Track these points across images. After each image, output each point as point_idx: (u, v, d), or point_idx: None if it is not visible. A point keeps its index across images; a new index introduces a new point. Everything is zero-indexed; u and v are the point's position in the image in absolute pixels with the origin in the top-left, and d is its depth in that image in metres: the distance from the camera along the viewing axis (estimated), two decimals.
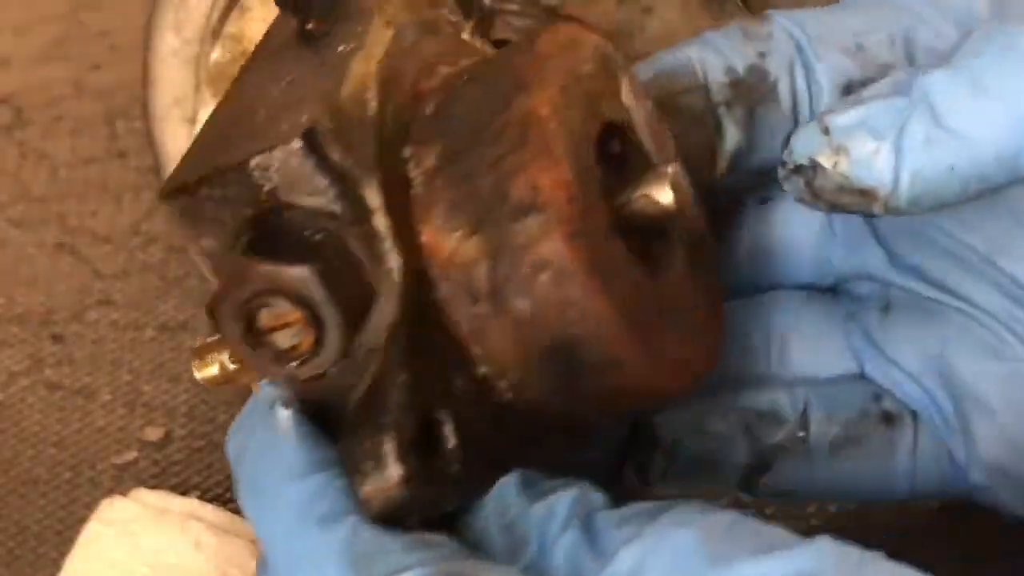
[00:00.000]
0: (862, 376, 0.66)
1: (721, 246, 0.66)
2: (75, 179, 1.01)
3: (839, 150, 0.57)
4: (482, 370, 0.55)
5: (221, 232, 0.54)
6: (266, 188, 0.53)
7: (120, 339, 0.90)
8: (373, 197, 0.54)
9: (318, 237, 0.53)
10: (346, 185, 0.53)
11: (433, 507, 0.54)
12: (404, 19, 0.58)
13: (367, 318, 0.53)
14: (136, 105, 0.95)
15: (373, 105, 0.55)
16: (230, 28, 0.78)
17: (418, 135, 0.56)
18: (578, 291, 0.53)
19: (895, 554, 0.48)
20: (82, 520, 0.75)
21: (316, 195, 0.53)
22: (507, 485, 0.54)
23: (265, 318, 0.52)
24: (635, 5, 0.78)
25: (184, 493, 0.79)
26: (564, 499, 0.52)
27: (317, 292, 0.52)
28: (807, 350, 0.66)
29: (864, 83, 0.61)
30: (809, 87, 0.62)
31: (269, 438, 0.54)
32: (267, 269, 0.52)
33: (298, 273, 0.52)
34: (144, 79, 0.84)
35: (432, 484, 0.53)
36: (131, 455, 0.84)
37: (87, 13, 1.13)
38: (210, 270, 0.55)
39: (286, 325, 0.52)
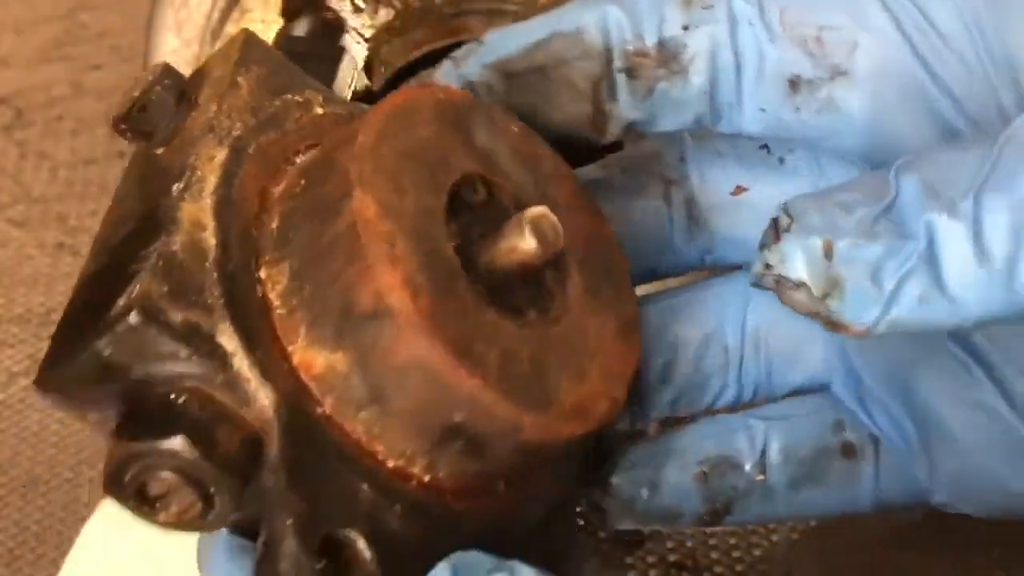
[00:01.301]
0: (826, 390, 0.65)
1: (697, 231, 0.65)
2: (75, 179, 1.01)
3: (835, 284, 0.54)
4: (391, 464, 0.55)
5: (99, 408, 0.54)
6: (121, 364, 0.53)
7: None
8: (228, 341, 0.54)
9: (182, 400, 0.53)
10: (197, 340, 0.53)
11: None
12: (240, 128, 0.57)
13: (258, 461, 0.53)
14: None
15: (212, 243, 0.55)
16: (230, 29, 0.78)
17: (268, 256, 0.56)
18: (448, 381, 0.52)
19: (884, 558, 0.48)
20: (82, 520, 0.75)
21: (169, 360, 0.53)
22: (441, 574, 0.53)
23: (157, 486, 0.53)
24: None
25: None
26: None
27: (192, 459, 0.52)
28: (785, 357, 0.65)
29: (811, 83, 0.59)
30: (738, 70, 0.60)
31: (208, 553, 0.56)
32: (139, 449, 0.52)
33: (168, 446, 0.52)
34: None
35: None
36: None
37: (87, 13, 1.13)
38: (104, 439, 0.55)
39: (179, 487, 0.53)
